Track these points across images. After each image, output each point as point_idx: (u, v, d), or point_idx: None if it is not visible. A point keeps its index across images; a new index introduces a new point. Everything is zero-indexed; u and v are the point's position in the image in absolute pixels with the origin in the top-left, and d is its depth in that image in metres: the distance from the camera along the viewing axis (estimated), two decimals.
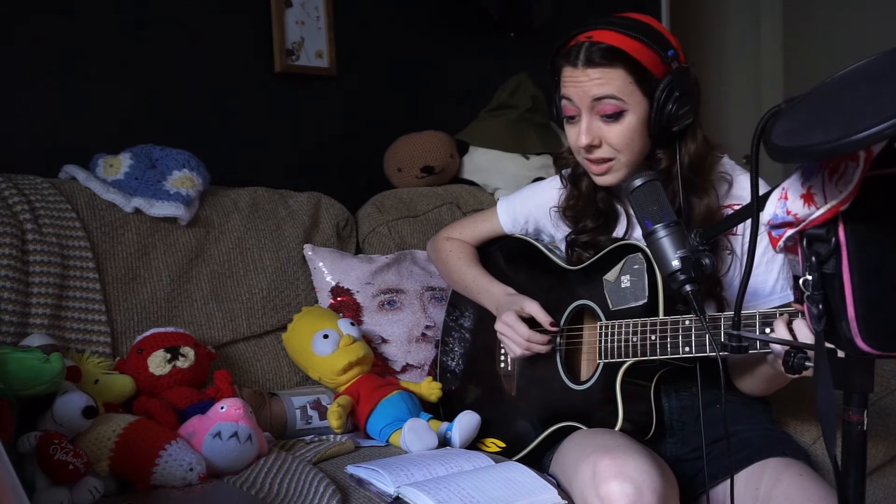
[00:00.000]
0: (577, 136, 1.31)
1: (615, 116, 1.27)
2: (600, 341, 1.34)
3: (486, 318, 1.58)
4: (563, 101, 1.32)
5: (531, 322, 1.43)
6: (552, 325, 1.41)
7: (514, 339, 1.43)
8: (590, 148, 1.31)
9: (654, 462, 1.16)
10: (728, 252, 1.34)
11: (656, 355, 1.25)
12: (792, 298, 1.17)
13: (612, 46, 1.25)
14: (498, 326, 1.47)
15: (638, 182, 1.12)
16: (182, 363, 1.45)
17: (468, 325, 1.69)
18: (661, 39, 1.26)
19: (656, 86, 1.26)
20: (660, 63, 1.26)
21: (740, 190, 1.36)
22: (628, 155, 1.30)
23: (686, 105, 1.26)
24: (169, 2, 1.93)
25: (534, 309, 1.42)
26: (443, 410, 1.68)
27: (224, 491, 1.21)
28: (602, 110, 1.28)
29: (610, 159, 1.31)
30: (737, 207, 1.35)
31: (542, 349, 1.42)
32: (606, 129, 1.29)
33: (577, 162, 1.45)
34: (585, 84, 1.27)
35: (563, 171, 1.50)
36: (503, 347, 1.55)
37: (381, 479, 1.25)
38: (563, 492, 1.23)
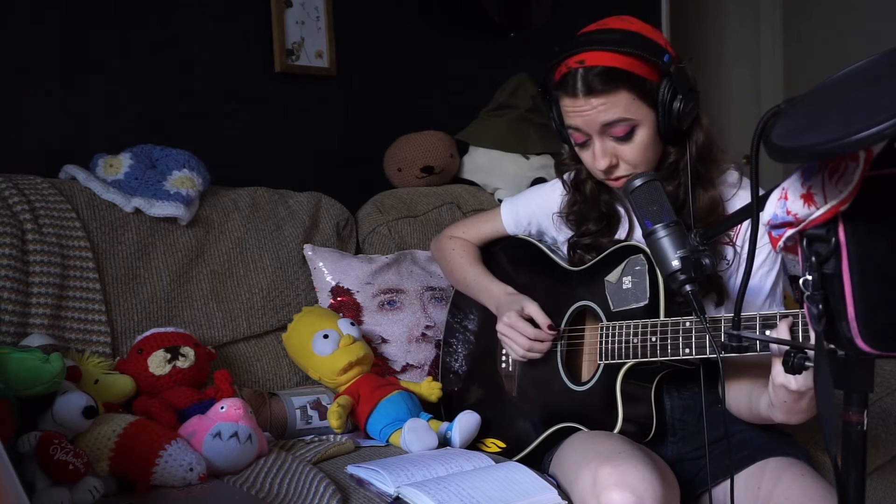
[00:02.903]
0: (593, 160, 1.31)
1: (627, 136, 1.27)
2: (601, 342, 1.34)
3: (487, 319, 1.58)
4: (571, 130, 1.32)
5: (532, 323, 1.43)
6: (550, 327, 1.41)
7: (517, 340, 1.43)
8: (609, 169, 1.30)
9: (655, 469, 1.15)
10: (729, 246, 1.34)
11: (657, 357, 1.25)
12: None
13: (608, 68, 1.23)
14: (500, 327, 1.47)
15: (638, 182, 1.12)
16: (182, 363, 1.45)
17: (470, 325, 1.69)
18: (653, 47, 1.24)
19: (657, 92, 1.25)
20: (657, 71, 1.25)
21: (747, 198, 1.36)
22: (645, 167, 1.31)
23: (690, 102, 1.26)
24: (169, 2, 1.93)
25: (533, 310, 1.42)
26: (443, 410, 1.68)
27: (224, 491, 1.21)
28: (614, 133, 1.27)
29: (629, 174, 1.31)
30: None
31: (543, 348, 1.42)
32: (622, 149, 1.29)
33: (580, 169, 1.45)
34: (591, 113, 1.26)
35: (565, 176, 1.50)
36: (504, 348, 1.55)
37: (381, 479, 1.25)
38: (563, 492, 1.23)
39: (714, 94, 3.71)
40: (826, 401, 0.73)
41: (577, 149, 1.35)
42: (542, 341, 1.42)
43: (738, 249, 1.35)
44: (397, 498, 1.20)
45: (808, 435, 1.54)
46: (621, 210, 1.45)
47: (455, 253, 1.68)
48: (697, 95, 1.28)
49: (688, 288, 1.04)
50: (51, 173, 1.68)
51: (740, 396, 1.29)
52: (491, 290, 1.56)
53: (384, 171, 2.26)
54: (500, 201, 1.75)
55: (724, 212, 1.34)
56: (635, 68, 1.23)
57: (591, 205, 1.45)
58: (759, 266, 1.32)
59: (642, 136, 1.27)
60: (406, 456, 1.39)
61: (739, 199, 1.35)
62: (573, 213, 1.49)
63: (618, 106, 1.24)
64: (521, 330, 1.42)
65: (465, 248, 1.68)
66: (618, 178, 1.32)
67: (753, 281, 1.32)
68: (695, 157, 1.31)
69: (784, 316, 1.08)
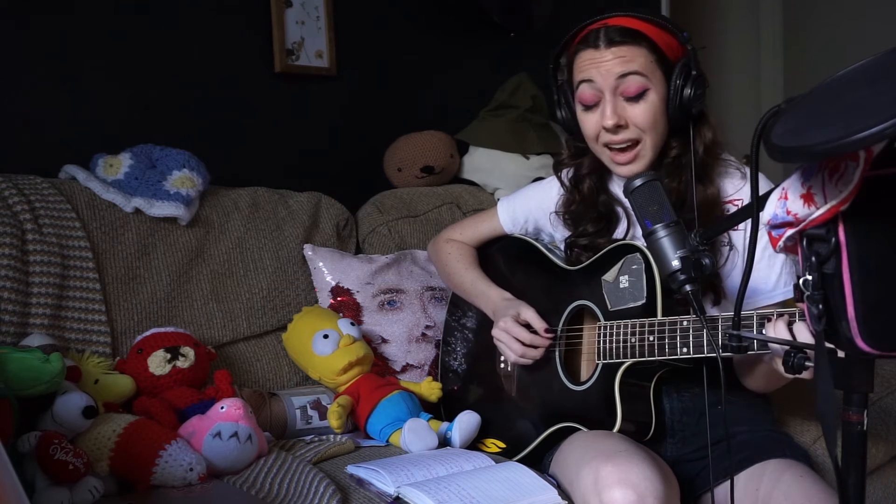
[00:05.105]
0: (600, 118, 1.31)
1: (638, 96, 1.29)
2: (599, 342, 1.34)
3: (486, 319, 1.58)
4: (583, 87, 1.32)
5: (528, 328, 1.43)
6: (547, 331, 1.41)
7: (511, 346, 1.43)
8: (616, 129, 1.30)
9: (656, 467, 1.15)
10: (726, 246, 1.34)
11: (654, 356, 1.25)
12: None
13: (630, 28, 1.28)
14: (495, 332, 1.47)
15: (638, 182, 1.13)
16: (182, 363, 1.45)
17: (469, 325, 1.69)
18: (675, 24, 1.30)
19: (673, 68, 1.28)
20: (675, 45, 1.29)
21: (745, 186, 1.36)
22: (654, 136, 1.31)
23: (702, 87, 1.28)
24: (169, 2, 1.93)
25: (530, 315, 1.42)
26: (443, 410, 1.68)
27: (224, 491, 1.21)
28: (626, 90, 1.29)
29: (636, 142, 1.31)
30: (738, 202, 1.36)
31: (537, 353, 1.42)
32: (631, 109, 1.30)
33: (579, 164, 1.45)
34: (609, 63, 1.28)
35: (563, 175, 1.50)
36: None
37: (381, 479, 1.25)
38: (563, 492, 1.23)
39: (714, 94, 3.70)
40: (826, 401, 0.73)
41: (581, 113, 1.35)
42: (536, 346, 1.42)
43: (739, 248, 1.35)
44: (397, 498, 1.20)
45: (808, 435, 1.54)
46: (619, 210, 1.45)
47: (451, 257, 1.68)
48: (706, 86, 1.30)
49: (688, 288, 1.04)
50: (51, 173, 1.68)
51: (742, 369, 1.33)
52: (488, 295, 1.56)
53: (384, 171, 2.26)
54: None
55: (724, 209, 1.34)
56: (656, 36, 1.28)
57: (588, 204, 1.45)
58: (759, 259, 1.31)
59: (653, 100, 1.29)
60: (406, 456, 1.39)
61: (734, 186, 1.36)
62: (570, 212, 1.49)
63: (636, 61, 1.27)
64: (515, 335, 1.42)
65: (461, 252, 1.68)
66: (623, 147, 1.32)
67: (755, 276, 1.32)
68: (701, 152, 1.32)
69: (782, 314, 1.08)
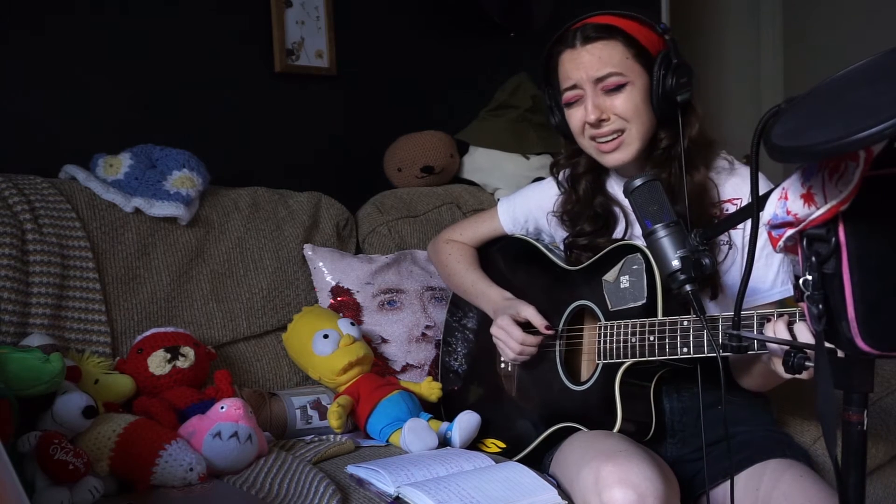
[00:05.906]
0: (583, 114, 1.33)
1: (618, 88, 1.30)
2: (599, 342, 1.34)
3: (487, 319, 1.58)
4: (567, 91, 1.35)
5: (528, 326, 1.43)
6: (548, 328, 1.41)
7: (508, 344, 1.43)
8: (599, 123, 1.32)
9: (656, 467, 1.15)
10: (725, 244, 1.34)
11: (655, 356, 1.25)
12: (792, 292, 1.17)
13: (605, 24, 1.31)
14: (493, 330, 1.47)
15: (638, 182, 1.13)
16: (182, 363, 1.45)
17: (470, 325, 1.69)
18: (650, 18, 1.32)
19: (653, 60, 1.30)
20: (654, 38, 1.30)
21: (744, 184, 1.36)
22: (638, 125, 1.32)
23: (685, 75, 1.29)
24: (169, 2, 1.93)
25: (530, 313, 1.43)
26: (443, 410, 1.68)
27: (224, 491, 1.21)
28: (605, 86, 1.31)
29: (620, 131, 1.32)
30: (737, 202, 1.36)
31: (533, 351, 1.42)
32: (611, 101, 1.31)
33: (575, 164, 1.46)
34: (586, 60, 1.31)
35: (560, 176, 1.51)
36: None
37: (381, 479, 1.25)
38: (563, 492, 1.23)
39: (714, 94, 3.71)
40: (826, 401, 0.73)
41: (567, 112, 1.37)
42: (532, 345, 1.42)
43: (739, 246, 1.35)
44: (397, 498, 1.20)
45: (808, 435, 1.54)
46: (618, 211, 1.45)
47: (452, 257, 1.68)
48: (692, 75, 1.30)
49: (688, 288, 1.04)
50: (51, 173, 1.68)
51: (740, 369, 1.32)
52: (489, 295, 1.56)
53: (384, 171, 2.26)
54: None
55: (717, 195, 1.35)
56: (632, 30, 1.30)
57: (584, 205, 1.46)
58: (757, 258, 1.31)
59: (633, 92, 1.31)
60: (406, 456, 1.39)
61: (731, 185, 1.36)
62: (567, 212, 1.49)
63: (612, 59, 1.30)
64: (512, 334, 1.42)
65: (462, 252, 1.68)
66: (607, 138, 1.33)
67: (754, 275, 1.32)
68: (688, 141, 1.33)
69: (781, 314, 1.08)
